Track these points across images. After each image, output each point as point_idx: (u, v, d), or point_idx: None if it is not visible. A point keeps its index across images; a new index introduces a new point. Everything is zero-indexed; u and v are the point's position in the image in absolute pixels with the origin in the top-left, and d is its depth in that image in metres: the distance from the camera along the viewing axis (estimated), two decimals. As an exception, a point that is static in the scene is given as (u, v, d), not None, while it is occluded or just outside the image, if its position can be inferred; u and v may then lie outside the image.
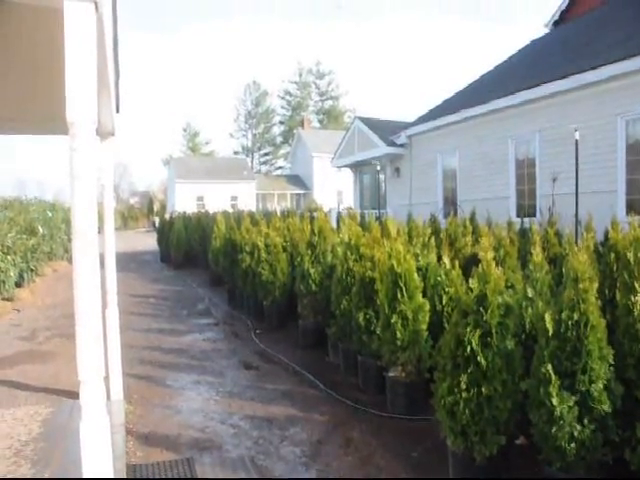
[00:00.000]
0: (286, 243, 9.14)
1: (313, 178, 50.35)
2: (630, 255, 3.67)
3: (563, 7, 16.20)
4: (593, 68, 9.97)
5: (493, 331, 3.42)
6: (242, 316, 9.56)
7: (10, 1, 2.52)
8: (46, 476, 3.66)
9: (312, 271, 7.27)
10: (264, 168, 73.76)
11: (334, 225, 12.43)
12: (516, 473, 3.61)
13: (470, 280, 3.61)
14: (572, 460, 3.06)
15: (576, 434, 3.02)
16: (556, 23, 16.51)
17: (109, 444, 1.79)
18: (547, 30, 16.94)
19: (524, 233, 7.42)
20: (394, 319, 4.80)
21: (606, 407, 3.06)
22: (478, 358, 3.36)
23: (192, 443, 4.45)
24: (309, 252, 7.47)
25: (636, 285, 3.43)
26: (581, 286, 3.18)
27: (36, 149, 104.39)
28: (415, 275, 4.99)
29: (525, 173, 12.25)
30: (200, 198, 46.76)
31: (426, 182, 15.87)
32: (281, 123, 74.74)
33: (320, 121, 72.53)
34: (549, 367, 3.12)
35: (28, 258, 12.83)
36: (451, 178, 14.93)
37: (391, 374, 4.98)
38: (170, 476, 3.82)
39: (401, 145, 16.94)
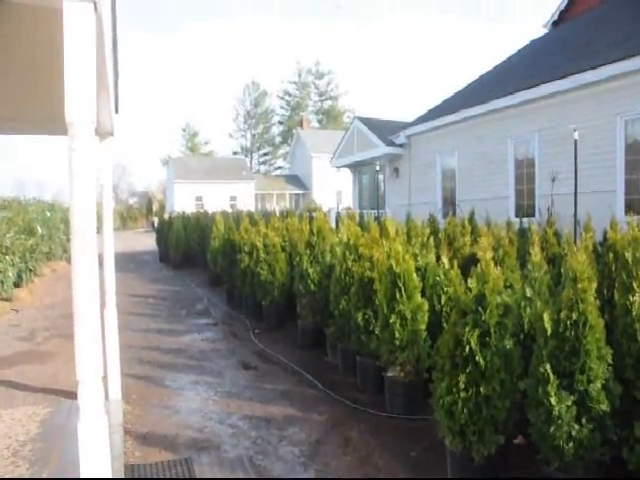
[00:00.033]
0: (285, 243, 9.14)
1: (312, 178, 50.35)
2: (628, 255, 3.68)
3: (562, 7, 16.21)
4: (592, 68, 9.98)
5: (492, 331, 3.43)
6: (241, 316, 9.56)
7: (10, 1, 2.52)
8: (44, 476, 3.66)
9: (311, 271, 7.27)
10: (263, 168, 73.83)
11: (333, 225, 12.43)
12: (514, 473, 3.61)
13: (469, 280, 3.61)
14: (570, 460, 3.06)
15: (574, 434, 3.03)
16: (555, 23, 16.53)
17: (107, 444, 1.79)
18: (546, 30, 16.96)
19: (523, 233, 7.42)
20: (393, 319, 4.80)
21: (604, 407, 3.06)
22: (477, 358, 3.36)
23: (190, 443, 4.45)
24: (308, 252, 7.47)
25: (634, 285, 3.43)
26: (580, 286, 3.18)
27: (36, 149, 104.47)
28: (414, 275, 4.99)
29: (524, 173, 12.26)
30: (199, 198, 46.78)
31: (425, 182, 15.88)
32: (280, 123, 74.77)
33: (319, 121, 72.53)
34: (547, 367, 3.13)
35: (27, 258, 12.82)
36: (450, 178, 14.93)
37: (390, 374, 4.99)
38: (168, 476, 3.82)
39: (400, 145, 16.94)
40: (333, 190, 46.60)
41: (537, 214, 10.99)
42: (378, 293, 5.12)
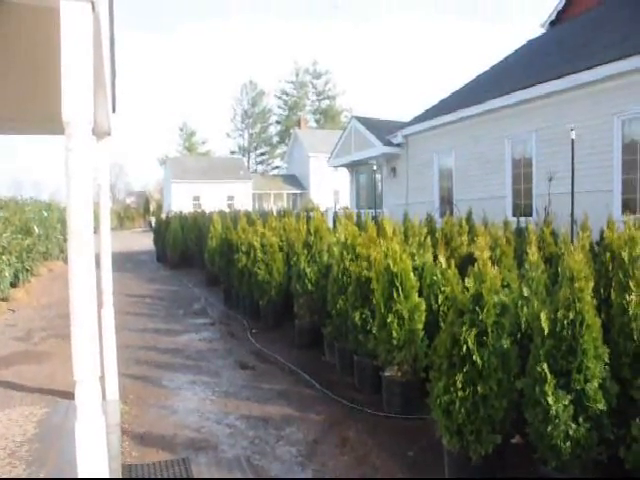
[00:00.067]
0: (282, 243, 9.14)
1: (310, 178, 50.36)
2: (625, 254, 3.69)
3: (559, 7, 16.23)
4: (589, 68, 10.00)
5: (489, 330, 3.43)
6: (238, 316, 9.55)
7: (10, 1, 2.52)
8: (41, 477, 3.66)
9: (308, 271, 7.27)
10: (260, 168, 73.84)
11: (330, 225, 12.43)
12: (512, 472, 3.62)
13: (466, 279, 3.61)
14: (567, 459, 3.07)
15: (571, 433, 3.03)
16: (552, 23, 16.55)
17: (104, 444, 1.79)
18: (543, 30, 16.98)
19: (520, 232, 7.44)
20: (390, 318, 4.80)
21: (601, 406, 3.07)
22: (474, 357, 3.37)
23: (188, 443, 4.44)
24: (305, 252, 7.47)
25: (631, 284, 3.44)
26: (577, 285, 3.19)
27: (33, 149, 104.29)
28: (411, 275, 4.99)
29: (521, 173, 12.28)
30: (196, 198, 46.76)
31: (422, 182, 15.89)
32: (278, 123, 74.74)
33: (317, 121, 72.53)
34: (545, 366, 3.13)
35: (23, 258, 12.79)
36: (447, 178, 14.95)
37: (387, 373, 4.99)
38: (166, 476, 3.81)
39: (397, 145, 16.96)
40: (330, 190, 46.61)
41: (534, 214, 11.03)
42: (375, 292, 5.12)
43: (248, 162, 70.32)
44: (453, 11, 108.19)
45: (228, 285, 10.81)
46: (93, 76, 1.76)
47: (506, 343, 3.48)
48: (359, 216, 13.43)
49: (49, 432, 4.43)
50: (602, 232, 5.44)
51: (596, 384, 3.09)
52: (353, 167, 21.14)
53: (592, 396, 3.06)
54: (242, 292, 9.59)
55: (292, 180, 52.89)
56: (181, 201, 44.49)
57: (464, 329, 3.42)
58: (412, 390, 4.81)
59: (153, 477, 3.81)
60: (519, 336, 4.00)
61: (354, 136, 19.58)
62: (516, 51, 16.43)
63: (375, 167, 16.83)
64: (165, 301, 11.57)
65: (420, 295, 5.06)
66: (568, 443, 3.04)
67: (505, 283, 4.37)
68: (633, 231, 3.90)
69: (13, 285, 11.96)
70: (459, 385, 3.38)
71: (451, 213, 12.48)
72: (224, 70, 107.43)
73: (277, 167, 72.40)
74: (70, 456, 1.90)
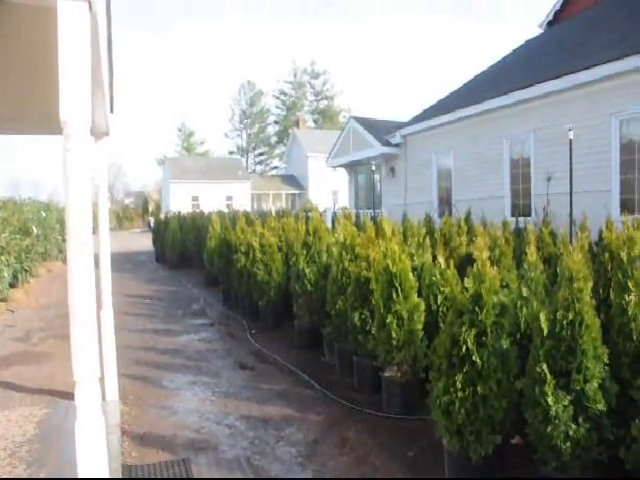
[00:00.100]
0: (281, 243, 9.14)
1: (308, 178, 50.35)
2: (624, 255, 3.69)
3: (557, 7, 16.24)
4: (587, 68, 10.01)
5: (488, 330, 3.43)
6: (237, 316, 9.54)
7: (9, 1, 2.52)
8: (41, 477, 3.65)
9: (307, 271, 7.27)
10: (259, 168, 73.79)
11: (329, 225, 12.43)
12: (512, 472, 3.62)
13: (465, 280, 3.61)
14: (567, 459, 3.07)
15: (571, 433, 3.03)
16: (550, 23, 16.57)
17: (104, 445, 1.79)
18: (541, 30, 16.99)
19: (519, 233, 7.44)
20: (389, 319, 4.80)
21: (601, 406, 3.07)
22: (473, 357, 3.37)
23: (188, 443, 4.44)
24: (304, 252, 7.46)
25: (630, 284, 3.44)
26: (576, 285, 3.19)
27: (32, 149, 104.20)
28: (410, 275, 4.99)
29: (520, 173, 12.29)
30: (195, 198, 46.73)
31: (421, 182, 15.90)
32: (276, 123, 74.74)
33: (315, 121, 72.54)
34: (544, 366, 3.13)
35: (22, 258, 12.77)
36: (446, 178, 14.96)
37: (387, 374, 4.99)
38: (166, 476, 3.81)
39: (396, 145, 16.96)
40: (329, 190, 46.60)
41: (533, 214, 11.04)
42: (375, 293, 5.12)
43: (246, 162, 70.35)
44: (447, 10, 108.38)
45: (227, 285, 10.80)
46: (91, 76, 1.76)
47: (505, 343, 3.48)
48: (358, 216, 13.44)
49: (49, 433, 4.42)
50: (601, 232, 5.45)
51: (596, 384, 3.09)
52: (352, 167, 21.15)
53: (592, 396, 3.07)
54: (241, 292, 9.58)
55: (291, 180, 52.88)
56: (180, 201, 44.46)
57: (463, 329, 3.42)
58: (412, 390, 4.81)
59: (153, 477, 3.81)
60: (518, 336, 4.00)
61: (352, 136, 19.59)
62: (514, 51, 16.45)
63: (374, 167, 16.83)
64: (164, 302, 11.56)
65: (419, 295, 5.06)
66: (568, 443, 3.04)
67: (504, 283, 4.38)
68: (632, 231, 3.91)
69: (12, 286, 11.94)
70: (459, 385, 3.38)
71: (450, 213, 12.48)
72: (222, 70, 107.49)
73: (275, 167, 72.44)
74: (70, 456, 1.90)
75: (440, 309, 5.04)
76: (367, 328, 5.42)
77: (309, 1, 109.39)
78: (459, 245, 7.05)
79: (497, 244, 5.40)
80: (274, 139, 75.11)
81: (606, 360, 3.18)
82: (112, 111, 4.42)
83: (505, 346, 3.47)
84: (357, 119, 19.85)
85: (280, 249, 8.88)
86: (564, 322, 3.15)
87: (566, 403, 3.07)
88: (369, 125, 18.94)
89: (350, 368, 5.77)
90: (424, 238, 6.27)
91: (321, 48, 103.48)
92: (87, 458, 1.74)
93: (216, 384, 5.96)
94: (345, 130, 20.62)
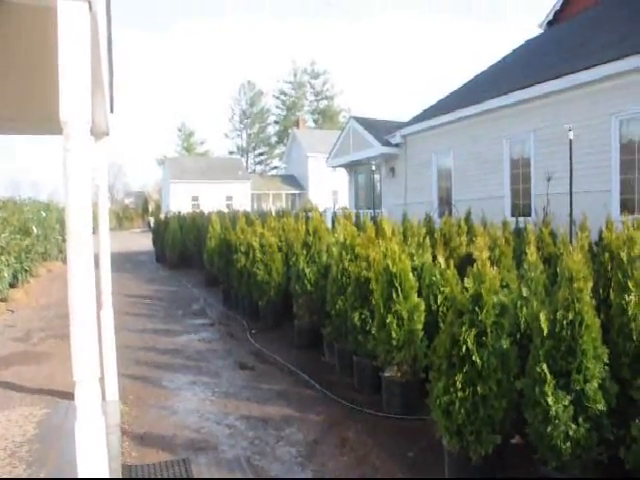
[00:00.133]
0: (281, 243, 9.14)
1: (308, 178, 50.35)
2: (624, 255, 3.69)
3: (557, 7, 16.25)
4: (587, 68, 10.01)
5: (488, 330, 3.43)
6: (237, 316, 9.54)
7: (9, 1, 2.52)
8: (41, 477, 3.65)
9: (307, 271, 7.27)
10: (259, 168, 73.79)
11: (329, 225, 12.43)
12: (512, 472, 3.62)
13: (465, 280, 3.61)
14: (567, 459, 3.07)
15: (571, 433, 3.03)
16: (550, 23, 16.57)
17: (104, 445, 1.79)
18: (541, 30, 16.99)
19: (519, 233, 7.44)
20: (389, 319, 4.80)
21: (601, 406, 3.07)
22: (473, 357, 3.37)
23: (188, 444, 4.44)
24: (304, 252, 7.46)
25: (630, 284, 3.44)
26: (576, 285, 3.19)
27: (32, 149, 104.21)
28: (410, 275, 4.99)
29: (520, 173, 12.29)
30: (195, 198, 46.74)
31: (421, 182, 15.90)
32: (276, 123, 74.75)
33: (315, 121, 72.53)
34: (544, 366, 3.13)
35: (22, 258, 12.77)
36: (446, 178, 14.96)
37: (387, 374, 4.99)
38: (166, 476, 3.81)
39: (396, 145, 16.96)
40: (329, 190, 46.60)
41: (533, 214, 11.04)
42: (375, 293, 5.12)
43: (246, 162, 70.35)
44: (447, 10, 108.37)
45: (227, 285, 10.80)
46: (91, 76, 1.76)
47: (505, 343, 3.48)
48: (358, 216, 13.44)
49: (49, 433, 4.42)
50: (601, 232, 5.45)
51: (596, 384, 3.09)
52: (352, 167, 21.15)
53: (592, 396, 3.07)
54: (241, 292, 9.58)
55: (291, 180, 52.88)
56: (180, 201, 44.46)
57: (463, 329, 3.42)
58: (412, 390, 4.81)
59: (153, 477, 3.81)
60: (518, 336, 4.00)
61: (352, 136, 19.59)
62: (514, 51, 16.45)
63: (374, 167, 16.83)
64: (164, 302, 11.56)
65: (419, 295, 5.06)
66: (568, 443, 3.04)
67: (504, 283, 4.38)
68: (632, 231, 3.91)
69: (12, 286, 11.94)
70: (459, 385, 3.38)
71: (450, 213, 12.48)
72: (222, 70, 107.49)
73: (275, 167, 72.43)
74: (70, 456, 1.90)
75: (440, 309, 5.04)
76: (367, 328, 5.42)
77: (309, 1, 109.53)
78: (459, 245, 7.05)
79: (497, 244, 5.40)
80: (274, 139, 75.13)
81: (606, 360, 3.19)
82: (112, 111, 4.42)
83: (505, 346, 3.47)
84: (357, 119, 19.85)
85: (280, 249, 8.87)
86: (564, 322, 3.15)
87: (566, 403, 3.07)
88: (369, 125, 18.94)
89: (350, 368, 5.77)
90: (424, 238, 6.27)
91: (321, 48, 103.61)
92: (87, 458, 1.74)
93: (216, 384, 5.96)
94: (345, 130, 20.62)
